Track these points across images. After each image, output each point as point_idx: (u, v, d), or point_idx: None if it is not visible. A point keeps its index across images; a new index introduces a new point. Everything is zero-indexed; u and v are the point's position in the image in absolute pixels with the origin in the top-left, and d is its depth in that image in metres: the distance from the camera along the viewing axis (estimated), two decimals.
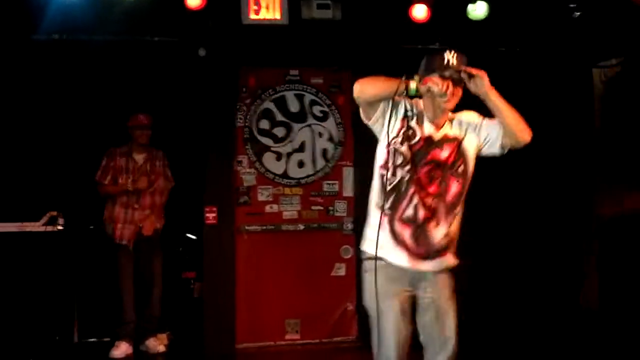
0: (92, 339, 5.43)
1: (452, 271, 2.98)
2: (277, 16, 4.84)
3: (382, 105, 2.87)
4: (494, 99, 2.81)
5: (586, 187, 6.14)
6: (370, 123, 2.94)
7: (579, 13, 5.09)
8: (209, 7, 4.80)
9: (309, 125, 5.70)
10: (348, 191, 5.73)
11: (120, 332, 5.19)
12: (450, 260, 2.96)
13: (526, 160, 5.77)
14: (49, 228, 5.06)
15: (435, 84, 2.75)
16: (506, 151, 2.95)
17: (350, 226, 5.68)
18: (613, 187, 5.99)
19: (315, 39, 5.35)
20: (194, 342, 5.41)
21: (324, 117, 5.72)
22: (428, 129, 2.92)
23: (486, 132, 2.95)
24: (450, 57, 2.82)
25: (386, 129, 2.88)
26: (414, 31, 5.15)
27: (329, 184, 5.72)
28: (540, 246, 5.90)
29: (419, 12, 5.02)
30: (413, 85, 2.75)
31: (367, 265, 2.96)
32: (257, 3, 4.90)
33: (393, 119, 2.88)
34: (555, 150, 5.94)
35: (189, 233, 5.86)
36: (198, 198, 5.42)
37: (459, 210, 2.95)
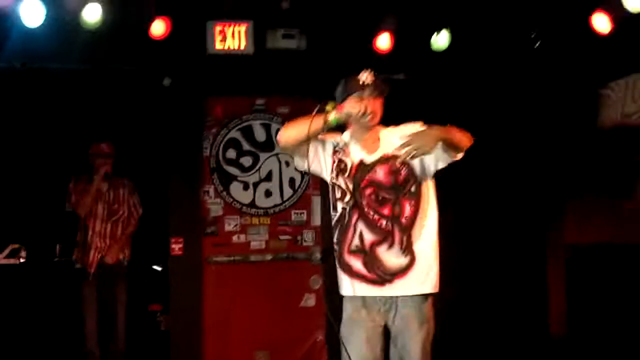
0: None
1: (425, 299, 2.94)
2: (242, 46, 4.86)
3: (311, 148, 2.87)
4: (448, 139, 2.79)
5: (554, 214, 6.22)
6: (307, 169, 2.93)
7: (538, 42, 5.19)
8: (173, 36, 4.80)
9: (276, 155, 5.68)
10: (316, 220, 5.69)
11: None
12: (416, 285, 2.89)
13: (494, 189, 5.88)
14: (11, 260, 4.96)
15: (352, 107, 2.77)
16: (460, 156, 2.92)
17: (318, 256, 5.64)
18: (580, 215, 6.07)
19: (281, 69, 5.38)
20: None
21: None
22: (359, 154, 2.93)
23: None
24: (365, 76, 2.85)
25: (323, 168, 2.91)
26: (378, 61, 5.20)
27: (296, 213, 5.69)
28: (509, 274, 5.92)
29: (383, 42, 5.08)
30: (332, 116, 2.77)
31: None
32: (222, 33, 4.91)
33: (325, 156, 2.90)
34: (523, 178, 6.03)
35: (154, 264, 5.78)
36: (164, 229, 5.36)
37: (421, 233, 2.90)
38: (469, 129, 2.86)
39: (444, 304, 5.16)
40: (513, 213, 5.97)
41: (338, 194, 2.91)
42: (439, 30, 5.01)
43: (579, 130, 6.10)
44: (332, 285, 3.03)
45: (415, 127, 2.90)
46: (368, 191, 2.89)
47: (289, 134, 2.87)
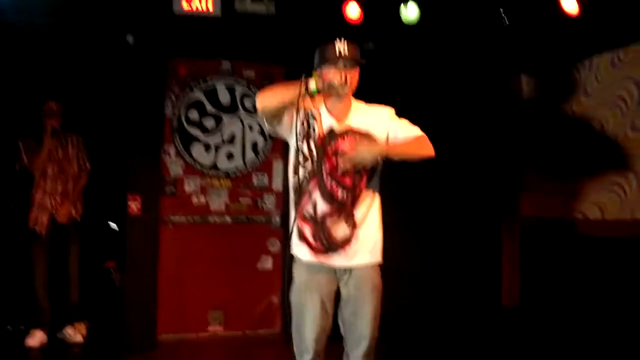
0: (7, 327, 5.29)
1: (379, 267, 3.00)
2: (210, 8, 4.76)
3: (286, 113, 2.88)
4: (393, 155, 2.86)
5: (511, 190, 6.33)
6: (276, 131, 2.96)
7: (507, 20, 5.19)
8: None
9: (240, 118, 5.65)
10: (277, 185, 5.72)
11: (35, 320, 5.08)
12: (360, 255, 2.96)
13: (453, 163, 5.93)
14: None
15: (334, 77, 2.81)
16: None
17: (278, 220, 5.69)
18: (535, 191, 6.19)
19: (249, 33, 5.30)
20: (114, 333, 5.32)
21: (255, 110, 5.66)
22: (328, 121, 2.95)
23: (394, 137, 2.96)
24: (342, 46, 2.86)
25: (294, 133, 2.92)
26: (347, 30, 5.16)
27: (258, 177, 5.70)
28: (464, 246, 6.05)
29: (352, 11, 5.04)
30: (313, 84, 2.78)
31: (294, 262, 3.02)
32: None
33: (296, 121, 2.90)
34: (481, 153, 6.10)
35: (110, 222, 5.74)
36: (122, 187, 5.31)
37: (369, 206, 2.97)
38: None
39: (401, 273, 5.31)
40: (470, 186, 6.06)
41: (301, 160, 2.92)
42: (406, 2, 4.97)
43: (540, 106, 6.19)
44: (289, 249, 3.05)
45: (385, 112, 2.99)
46: (333, 159, 2.92)
47: (271, 99, 2.85)
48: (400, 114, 3.09)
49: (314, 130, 2.92)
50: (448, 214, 5.95)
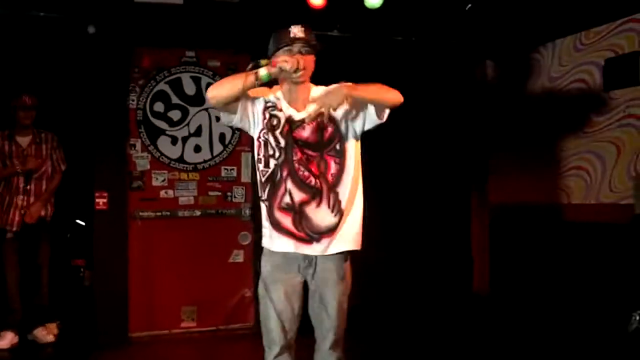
0: None
1: (345, 256, 2.95)
2: None
3: (240, 103, 2.83)
4: (357, 96, 2.79)
5: (478, 176, 6.37)
6: (234, 124, 2.90)
7: (470, 5, 5.22)
8: None
9: (206, 109, 5.58)
10: (246, 177, 5.66)
11: (6, 321, 4.97)
12: (342, 243, 2.92)
13: (420, 148, 5.96)
14: None
15: (285, 62, 2.71)
16: (386, 117, 2.89)
17: (248, 212, 5.64)
18: (502, 177, 6.25)
19: (212, 21, 5.24)
20: (85, 332, 5.22)
21: None
22: (288, 110, 2.90)
23: (358, 108, 2.89)
24: (297, 30, 2.81)
25: (255, 125, 2.87)
26: (311, 16, 5.13)
27: (226, 169, 5.64)
28: (434, 233, 6.07)
29: None
30: (263, 71, 2.71)
31: (262, 255, 2.99)
32: None
33: (255, 112, 2.86)
34: (448, 139, 6.13)
35: (78, 219, 5.63)
36: (88, 183, 5.21)
37: (347, 192, 2.92)
38: (397, 89, 2.85)
39: (370, 261, 5.31)
40: (437, 174, 6.09)
41: (270, 151, 2.88)
42: None
43: (505, 91, 6.25)
44: (260, 241, 3.02)
45: (340, 86, 2.85)
46: (296, 148, 2.87)
47: (220, 91, 2.78)
48: None
49: (277, 119, 2.88)
50: (416, 201, 5.97)
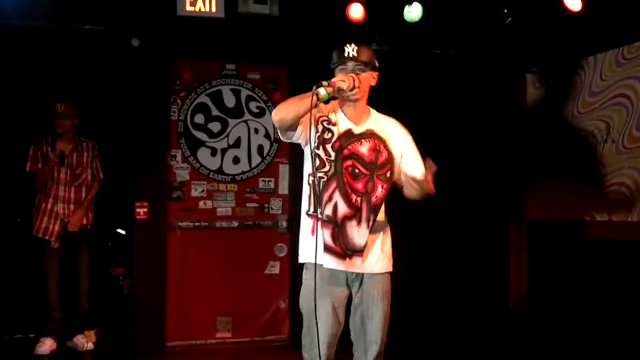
0: (17, 335, 5.27)
1: (389, 273, 3.01)
2: (214, 9, 4.76)
3: (301, 121, 2.88)
4: (424, 183, 2.93)
5: (516, 191, 6.30)
6: (293, 140, 2.96)
7: (510, 19, 5.19)
8: None
9: (245, 121, 5.64)
10: (284, 189, 5.70)
11: (46, 328, 5.05)
12: (379, 264, 2.98)
13: (459, 163, 5.92)
14: None
15: (342, 81, 2.82)
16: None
17: (285, 224, 5.66)
18: (541, 193, 6.17)
19: (252, 34, 5.31)
20: (122, 340, 5.29)
21: (260, 113, 5.67)
22: (345, 124, 2.97)
23: (405, 165, 3.04)
24: (351, 49, 2.88)
25: (310, 140, 2.92)
26: (350, 30, 5.17)
27: (264, 181, 5.68)
28: (471, 249, 6.02)
29: (355, 11, 5.04)
30: (323, 91, 2.79)
31: (305, 268, 3.02)
32: None
33: (311, 127, 2.91)
34: (487, 154, 6.08)
35: (118, 228, 5.72)
36: (129, 193, 5.29)
37: (383, 215, 3.02)
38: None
39: (409, 278, 5.30)
40: (476, 189, 6.04)
41: (317, 163, 2.92)
42: (410, 2, 4.97)
43: (545, 105, 6.18)
44: (297, 253, 3.04)
45: (403, 133, 3.06)
46: (348, 162, 2.93)
47: (287, 113, 2.83)
48: (404, 116, 3.13)
49: (331, 133, 2.93)
50: (455, 217, 5.92)
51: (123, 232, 5.70)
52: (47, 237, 5.08)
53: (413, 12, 5.03)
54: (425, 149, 3.58)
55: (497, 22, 5.34)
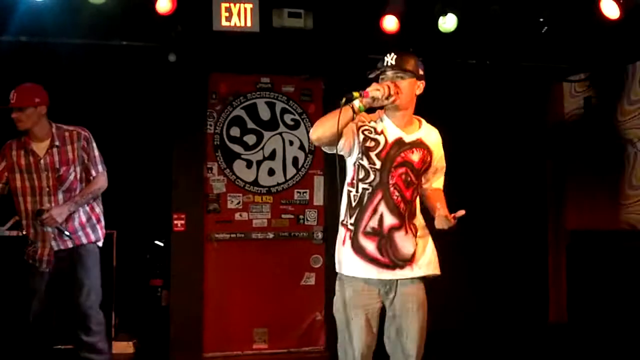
0: (69, 346, 5.27)
1: (425, 283, 2.99)
2: (249, 24, 4.82)
3: (344, 134, 2.86)
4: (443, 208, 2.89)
5: (555, 202, 6.22)
6: (338, 152, 2.94)
7: (546, 28, 5.14)
8: (179, 12, 4.75)
9: (280, 134, 5.68)
10: (319, 200, 5.71)
11: None
12: (424, 267, 2.96)
13: (496, 174, 5.87)
14: (14, 232, 4.93)
15: (376, 90, 2.78)
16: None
17: (320, 235, 5.67)
18: (581, 202, 6.07)
19: (287, 47, 5.36)
20: (160, 351, 5.31)
21: (295, 126, 5.71)
22: (395, 132, 2.94)
23: (432, 178, 3.07)
24: (390, 58, 2.86)
25: (353, 151, 2.92)
26: (384, 42, 5.18)
27: (299, 192, 5.70)
28: (509, 262, 5.95)
29: (389, 23, 5.05)
30: (357, 103, 2.77)
31: (338, 279, 3.01)
32: (228, 10, 4.87)
33: (355, 138, 2.91)
34: (525, 164, 6.02)
35: (156, 240, 5.79)
36: (166, 205, 5.36)
37: (421, 218, 3.01)
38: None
39: (445, 290, 5.25)
40: (515, 200, 5.98)
41: (361, 174, 2.91)
42: (444, 13, 4.96)
43: (583, 114, 6.09)
44: (333, 264, 3.04)
45: (440, 147, 3.07)
46: (400, 170, 2.90)
47: (323, 132, 2.82)
48: (440, 126, 3.12)
49: (375, 142, 2.91)
50: (492, 228, 5.87)
51: (161, 243, 5.76)
52: (36, 265, 3.95)
53: (448, 23, 5.02)
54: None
55: (533, 31, 5.28)
